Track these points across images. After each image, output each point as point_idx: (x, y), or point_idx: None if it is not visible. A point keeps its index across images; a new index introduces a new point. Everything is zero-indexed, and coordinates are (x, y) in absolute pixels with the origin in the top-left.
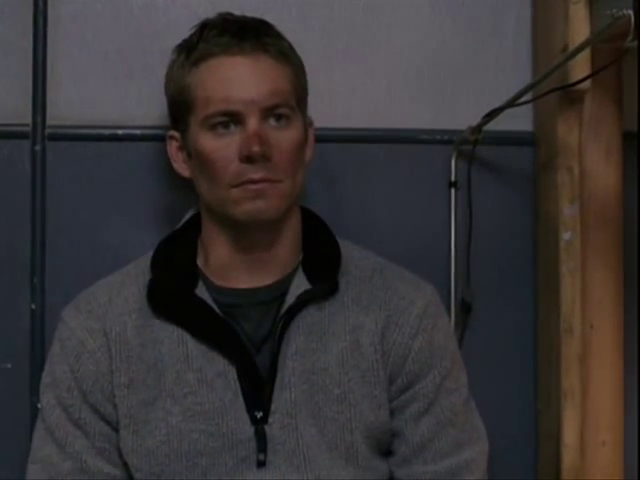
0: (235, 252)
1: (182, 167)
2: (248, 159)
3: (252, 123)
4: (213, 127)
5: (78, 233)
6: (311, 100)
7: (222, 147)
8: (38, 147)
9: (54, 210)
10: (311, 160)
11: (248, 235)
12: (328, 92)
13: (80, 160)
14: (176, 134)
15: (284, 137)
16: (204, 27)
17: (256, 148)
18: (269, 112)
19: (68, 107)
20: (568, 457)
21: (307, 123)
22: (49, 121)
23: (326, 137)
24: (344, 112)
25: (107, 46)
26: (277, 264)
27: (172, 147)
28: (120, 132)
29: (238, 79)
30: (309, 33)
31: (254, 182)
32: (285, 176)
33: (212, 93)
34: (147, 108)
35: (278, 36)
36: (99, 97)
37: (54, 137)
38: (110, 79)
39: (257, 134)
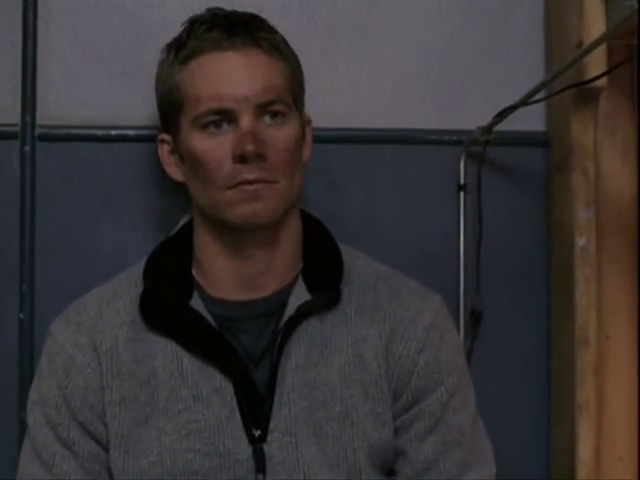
0: (231, 261)
1: (175, 171)
2: (242, 159)
3: (245, 121)
4: (204, 127)
5: (69, 238)
6: (313, 99)
7: (214, 147)
8: (27, 148)
9: (44, 214)
10: (309, 160)
11: (244, 242)
12: (331, 91)
13: (71, 162)
14: (167, 137)
15: (280, 135)
16: (193, 23)
17: (250, 147)
18: (263, 109)
19: (59, 106)
20: (583, 473)
21: (305, 121)
22: (39, 121)
23: (329, 138)
24: (348, 112)
25: (100, 43)
26: (276, 273)
27: (163, 151)
28: (113, 132)
29: (229, 75)
30: (311, 29)
31: (249, 183)
32: (282, 176)
33: (202, 91)
34: (141, 107)
35: (271, 30)
36: (91, 96)
37: (44, 137)
38: (103, 77)
39: (251, 132)
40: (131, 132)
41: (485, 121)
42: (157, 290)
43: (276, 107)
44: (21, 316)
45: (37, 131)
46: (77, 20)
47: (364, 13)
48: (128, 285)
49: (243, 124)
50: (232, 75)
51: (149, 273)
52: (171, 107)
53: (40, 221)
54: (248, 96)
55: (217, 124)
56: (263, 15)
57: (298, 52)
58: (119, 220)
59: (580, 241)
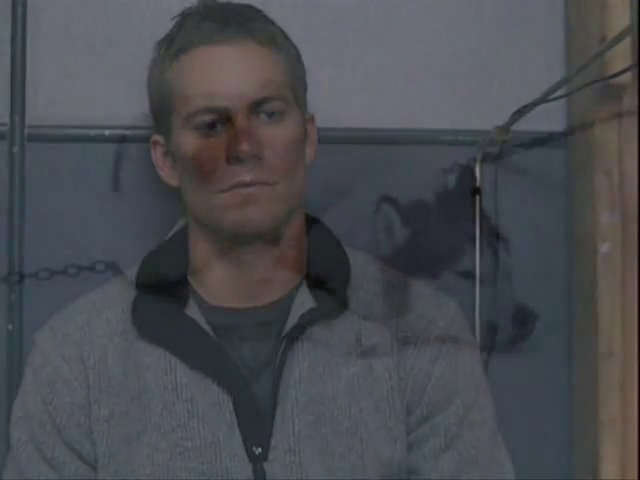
0: (228, 270)
1: (169, 175)
2: (236, 160)
3: (240, 119)
4: (197, 127)
5: (60, 244)
6: (320, 98)
7: (207, 148)
8: (16, 149)
9: (33, 218)
10: (312, 161)
11: (242, 250)
12: (339, 89)
13: (62, 163)
14: (160, 139)
15: (277, 134)
16: (185, 17)
17: (244, 147)
18: (259, 106)
19: (49, 105)
20: None
21: (307, 119)
22: (28, 120)
23: (337, 139)
24: (356, 111)
25: (93, 38)
26: (277, 281)
27: (157, 153)
28: (107, 132)
29: (222, 71)
30: (318, 24)
31: (245, 185)
32: (281, 178)
33: (193, 88)
34: (137, 106)
35: (267, 21)
36: (84, 94)
37: (34, 138)
38: (96, 74)
39: (245, 131)
40: (126, 132)
41: (502, 120)
42: (150, 297)
43: (273, 104)
44: (9, 327)
45: (26, 131)
46: (69, 13)
47: (374, 6)
48: (120, 293)
49: (237, 123)
50: (224, 70)
51: (142, 279)
52: (162, 106)
53: (29, 226)
54: (242, 93)
55: (210, 124)
56: (266, 8)
57: (304, 47)
58: (113, 225)
59: (603, 248)
